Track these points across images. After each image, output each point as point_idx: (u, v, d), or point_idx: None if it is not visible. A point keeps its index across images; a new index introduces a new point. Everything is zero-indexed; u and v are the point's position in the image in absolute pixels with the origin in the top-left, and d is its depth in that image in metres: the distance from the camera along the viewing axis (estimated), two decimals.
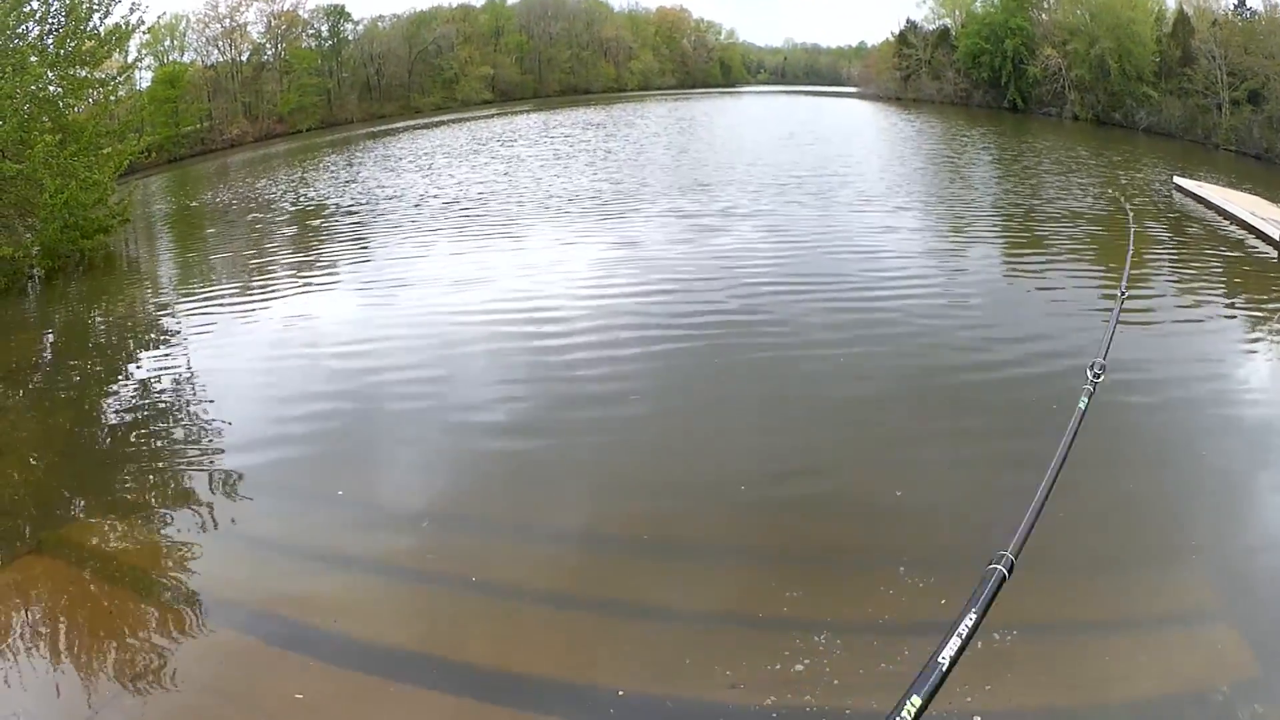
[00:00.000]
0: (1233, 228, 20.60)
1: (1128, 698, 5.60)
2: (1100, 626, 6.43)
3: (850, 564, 7.38)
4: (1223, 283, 16.00)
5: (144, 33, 24.06)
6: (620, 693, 5.65)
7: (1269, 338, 13.04)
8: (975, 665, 5.66)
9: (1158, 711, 5.52)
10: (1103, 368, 3.73)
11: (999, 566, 2.06)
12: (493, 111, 68.14)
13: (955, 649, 1.77)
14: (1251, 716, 5.36)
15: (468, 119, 61.34)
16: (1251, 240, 19.27)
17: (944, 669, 1.71)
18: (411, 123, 61.71)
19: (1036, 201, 23.88)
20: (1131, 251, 8.24)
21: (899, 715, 1.56)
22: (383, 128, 59.14)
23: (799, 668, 5.76)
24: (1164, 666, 5.92)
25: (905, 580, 6.71)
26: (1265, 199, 23.78)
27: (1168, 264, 17.61)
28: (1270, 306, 14.63)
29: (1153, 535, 7.64)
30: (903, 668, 5.75)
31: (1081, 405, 3.20)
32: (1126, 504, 8.13)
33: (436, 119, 63.64)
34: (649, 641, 6.29)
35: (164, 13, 52.02)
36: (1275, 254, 17.97)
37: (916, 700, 1.61)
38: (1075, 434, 2.97)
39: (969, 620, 1.88)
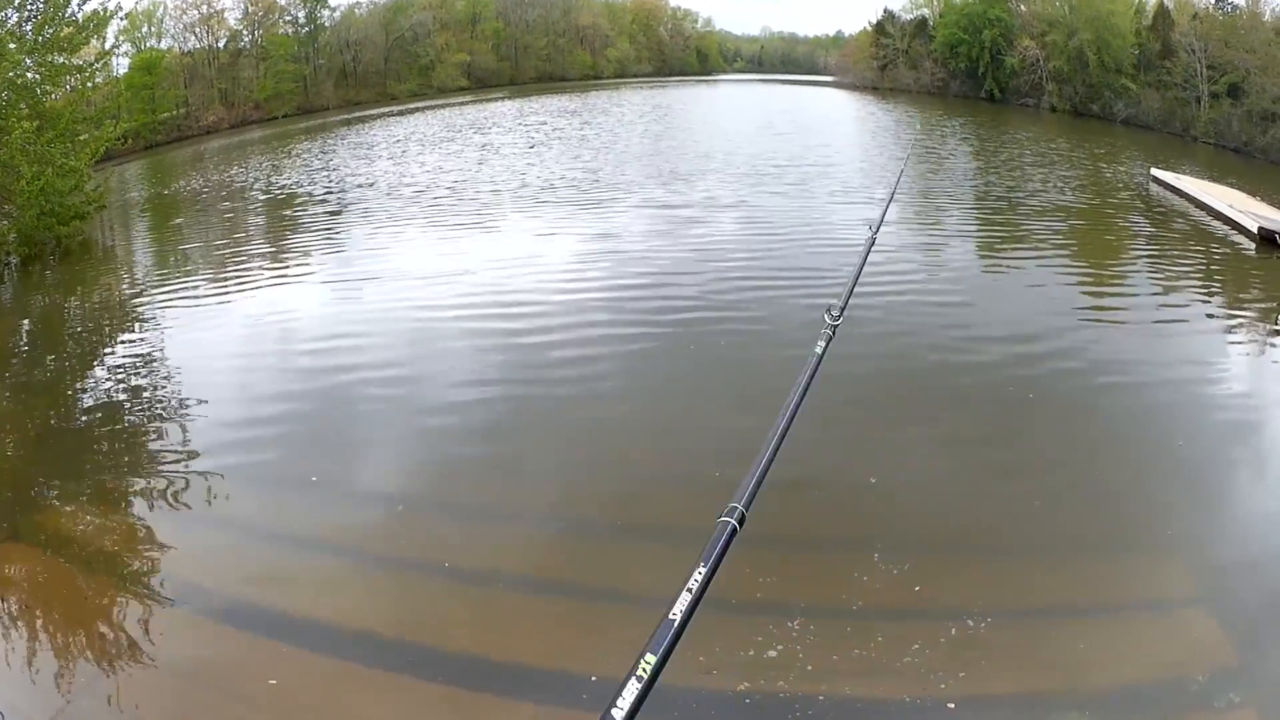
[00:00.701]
0: (1210, 220, 20.73)
1: (1104, 684, 5.65)
2: (1077, 613, 6.47)
3: (825, 550, 7.43)
4: (1200, 274, 16.11)
5: (121, 19, 23.93)
6: (594, 678, 5.67)
7: (1247, 328, 13.15)
8: (948, 652, 5.71)
9: (1134, 698, 5.57)
10: (841, 311, 3.63)
11: (730, 520, 2.06)
12: (468, 98, 67.72)
13: (686, 604, 1.79)
14: (1228, 704, 5.42)
15: (443, 106, 60.96)
16: (1229, 232, 19.40)
17: (676, 625, 1.72)
18: (387, 109, 61.34)
19: (1016, 194, 23.89)
20: (891, 196, 8.16)
21: (635, 675, 1.58)
22: (358, 114, 58.73)
23: (772, 654, 5.80)
24: (1141, 653, 5.99)
25: (879, 566, 6.75)
26: (1243, 191, 23.91)
27: (1145, 256, 17.74)
28: (1247, 298, 14.76)
29: (1130, 523, 7.72)
30: (876, 653, 5.79)
31: (818, 350, 3.13)
32: (1105, 492, 8.21)
33: (412, 106, 63.20)
34: (623, 626, 6.27)
35: None
36: (1253, 246, 18.09)
37: (651, 658, 1.62)
38: (809, 382, 2.93)
39: (698, 574, 1.89)
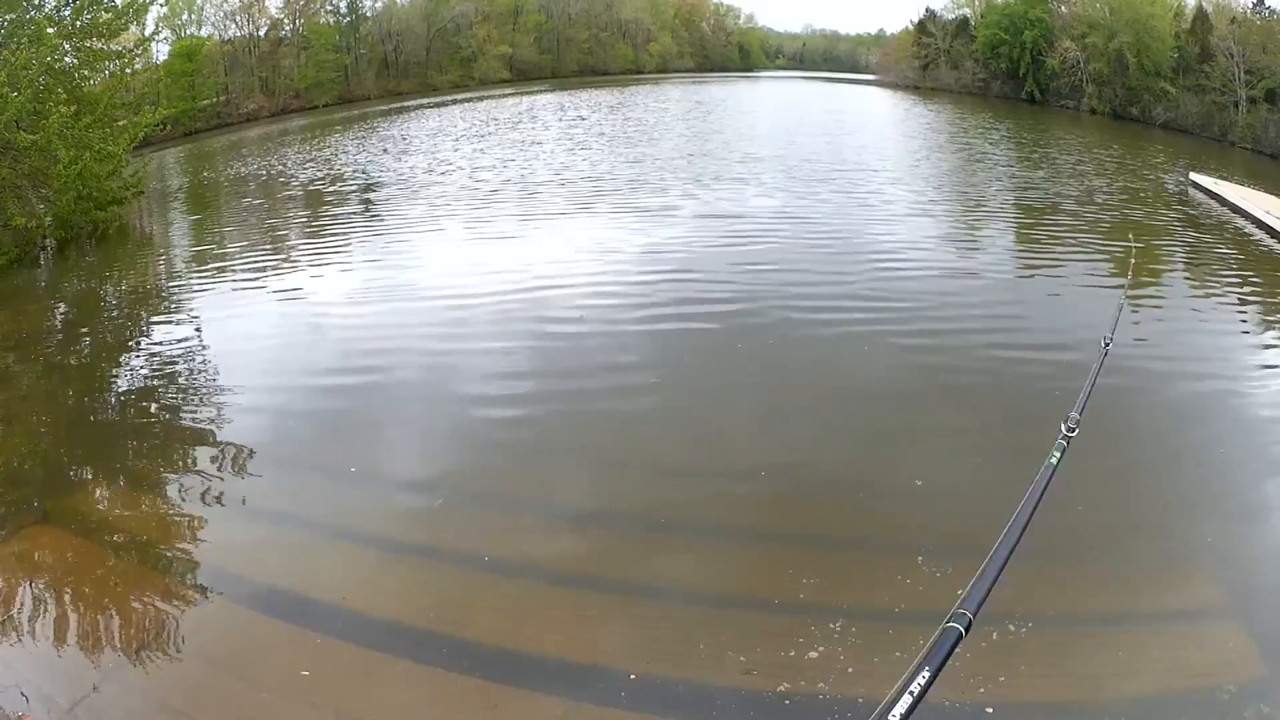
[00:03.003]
0: (1249, 226, 20.51)
1: (1135, 693, 5.58)
2: (1109, 621, 6.41)
3: (868, 551, 7.34)
4: (1237, 281, 15.94)
5: (161, 5, 24.08)
6: (632, 675, 5.61)
7: None
8: (989, 657, 5.64)
9: (1164, 707, 5.49)
10: (1077, 423, 3.54)
11: (957, 625, 1.96)
12: (509, 91, 67.97)
13: (906, 706, 1.71)
14: (1257, 716, 5.34)
15: (485, 98, 61.18)
16: (1267, 240, 19.18)
17: None
18: (428, 100, 61.59)
19: (1055, 198, 23.68)
20: (1125, 294, 7.60)
21: None
22: (399, 105, 59.05)
23: (813, 655, 5.72)
24: (1171, 663, 5.89)
25: (923, 569, 6.67)
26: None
27: (1183, 261, 17.55)
28: None
29: (1163, 531, 7.61)
30: (917, 656, 5.71)
31: (1053, 461, 3.03)
32: (1137, 499, 8.11)
33: (454, 97, 63.49)
34: (661, 624, 6.25)
35: None
36: None
37: None
38: (1044, 492, 2.83)
39: (922, 679, 1.81)
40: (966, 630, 2.03)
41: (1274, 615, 6.43)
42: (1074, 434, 3.33)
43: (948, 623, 2.03)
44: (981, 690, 5.42)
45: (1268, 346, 12.51)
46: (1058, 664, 5.88)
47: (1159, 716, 5.42)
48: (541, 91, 65.52)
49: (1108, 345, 4.42)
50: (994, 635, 5.85)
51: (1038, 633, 6.01)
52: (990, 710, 5.31)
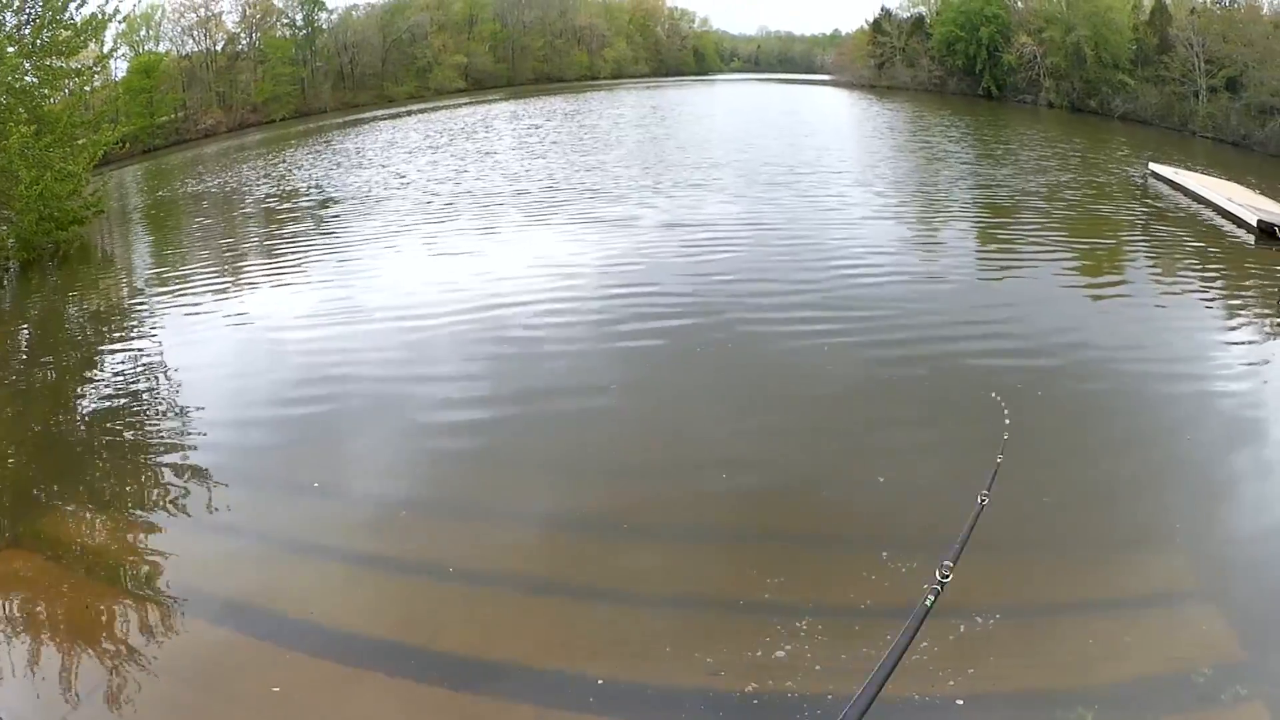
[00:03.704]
0: (1209, 213, 20.73)
1: (1111, 679, 5.63)
2: (1083, 609, 6.47)
3: (832, 549, 7.40)
4: (1200, 267, 16.15)
5: (120, 22, 23.88)
6: (600, 680, 5.65)
7: (1246, 321, 13.14)
8: (957, 649, 5.68)
9: (1141, 692, 5.55)
10: (949, 570, 3.54)
11: None
12: (465, 100, 67.75)
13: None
14: (1234, 697, 5.40)
15: (440, 108, 60.95)
16: (1227, 225, 19.39)
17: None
18: (384, 112, 61.34)
19: (1015, 192, 23.79)
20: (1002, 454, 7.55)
21: None
22: (355, 117, 58.73)
23: (780, 654, 5.77)
24: (1147, 647, 5.96)
25: (888, 565, 6.73)
26: (1241, 185, 23.86)
27: (1145, 249, 17.73)
28: (1247, 291, 14.73)
29: (1133, 517, 7.70)
30: (884, 652, 5.72)
31: (927, 603, 3.08)
32: (1106, 486, 8.21)
33: (409, 108, 63.19)
34: (628, 628, 6.30)
35: (139, 2, 51.54)
36: (1252, 239, 18.07)
37: None
38: (914, 634, 2.88)
39: None
40: None
41: (1248, 597, 6.53)
42: (948, 580, 3.35)
43: None
44: (951, 683, 5.47)
45: (1235, 332, 12.65)
46: (1028, 654, 5.94)
47: (1135, 702, 5.48)
48: (497, 100, 65.24)
49: (983, 502, 4.36)
50: (961, 628, 5.90)
51: (1006, 623, 6.07)
52: (961, 702, 5.36)
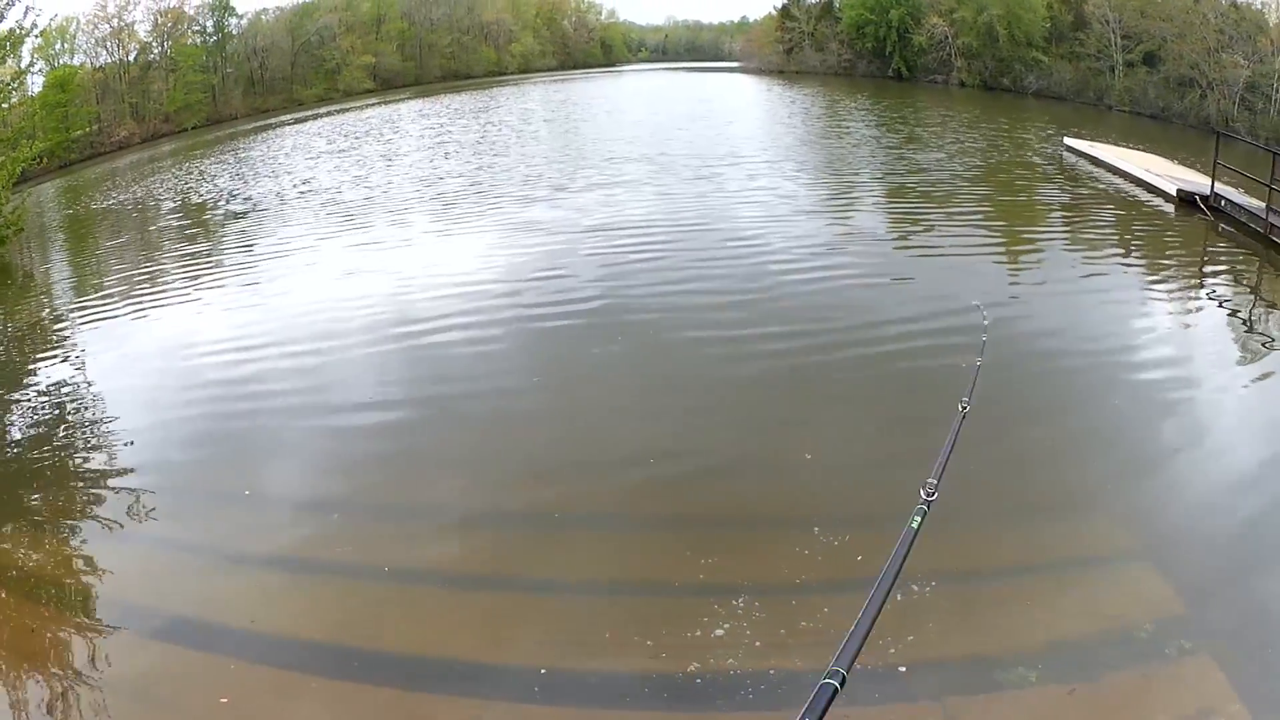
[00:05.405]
0: (1129, 186, 21.14)
1: (1052, 640, 5.72)
2: (1020, 572, 6.59)
3: (765, 528, 7.45)
4: (1122, 239, 16.46)
5: (36, 37, 23.46)
6: (542, 670, 5.66)
7: (1168, 288, 13.45)
8: (895, 618, 5.72)
9: (1083, 652, 5.63)
10: (935, 488, 3.49)
11: (833, 681, 2.04)
12: (373, 101, 67.25)
13: None
14: (1179, 650, 5.53)
15: (348, 109, 60.43)
16: (1148, 196, 19.76)
17: None
18: (293, 116, 60.69)
19: (927, 170, 24.17)
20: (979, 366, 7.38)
21: None
22: (266, 122, 57.98)
23: (719, 632, 5.81)
24: (1087, 608, 6.07)
25: (821, 539, 6.80)
26: (1159, 156, 24.30)
27: (1063, 223, 18.02)
28: (1170, 259, 15.07)
29: (1065, 481, 7.85)
30: (823, 625, 5.80)
31: (914, 525, 3.07)
32: (1036, 454, 8.38)
33: (316, 111, 62.48)
34: (566, 617, 6.33)
35: (55, 15, 50.54)
36: (1171, 208, 18.41)
37: None
38: (905, 557, 2.88)
39: None
40: (842, 685, 2.09)
41: (1183, 552, 6.70)
42: (934, 498, 3.35)
43: (824, 678, 2.08)
44: (892, 651, 5.53)
45: (1157, 299, 12.98)
46: (968, 619, 6.03)
47: (1078, 660, 5.55)
48: (404, 99, 64.83)
49: (965, 408, 4.42)
50: (898, 596, 5.95)
51: (944, 590, 6.14)
52: (903, 669, 5.43)
